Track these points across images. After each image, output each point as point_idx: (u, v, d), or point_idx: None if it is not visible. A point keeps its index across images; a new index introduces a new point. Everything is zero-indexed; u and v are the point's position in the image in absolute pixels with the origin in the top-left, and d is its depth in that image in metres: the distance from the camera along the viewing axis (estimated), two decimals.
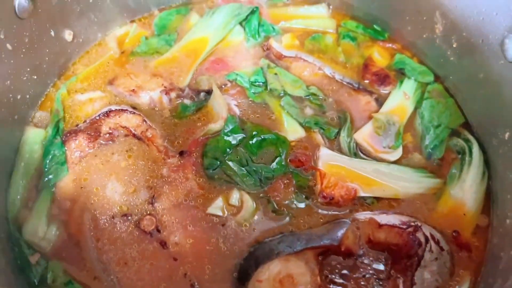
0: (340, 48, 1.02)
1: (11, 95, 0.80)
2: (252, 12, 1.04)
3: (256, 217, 0.79)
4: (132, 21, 1.05)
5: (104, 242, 0.77)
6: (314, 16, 1.07)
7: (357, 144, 0.88)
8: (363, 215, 0.80)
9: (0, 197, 0.78)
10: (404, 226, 0.77)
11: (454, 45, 0.89)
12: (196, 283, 0.74)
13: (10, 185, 0.79)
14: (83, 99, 0.92)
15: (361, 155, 0.87)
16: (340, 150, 0.87)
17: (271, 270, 0.73)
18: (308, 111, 0.92)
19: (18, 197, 0.80)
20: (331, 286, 0.73)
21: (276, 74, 0.97)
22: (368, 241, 0.77)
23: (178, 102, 0.92)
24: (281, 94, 0.94)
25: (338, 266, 0.75)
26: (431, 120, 0.91)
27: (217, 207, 0.80)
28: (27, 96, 0.86)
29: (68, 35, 0.91)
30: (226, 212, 0.80)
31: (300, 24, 1.06)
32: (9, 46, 0.76)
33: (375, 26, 1.05)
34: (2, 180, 0.79)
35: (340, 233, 0.76)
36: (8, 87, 0.79)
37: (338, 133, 0.89)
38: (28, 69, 0.84)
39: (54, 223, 0.78)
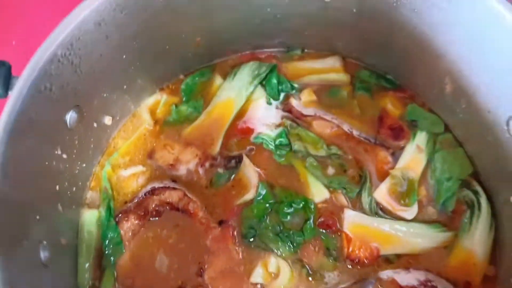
0: (355, 101, 1.09)
1: (68, 192, 0.90)
2: (271, 70, 1.10)
3: (293, 282, 0.92)
4: (161, 89, 1.11)
5: None
6: (329, 70, 1.12)
7: (377, 203, 0.98)
8: (385, 275, 0.91)
9: (71, 278, 0.90)
10: (422, 287, 0.89)
11: (463, 106, 0.95)
12: None
13: (77, 268, 0.91)
14: (126, 175, 1.01)
15: (381, 213, 0.97)
16: (362, 210, 0.97)
17: None
18: (330, 170, 1.01)
19: (86, 276, 0.91)
20: None
21: (297, 134, 1.05)
22: None
23: (212, 171, 1.01)
24: (304, 155, 1.03)
25: None
26: (443, 173, 0.99)
27: (258, 275, 0.91)
28: (80, 183, 0.96)
29: (107, 120, 1.00)
30: (267, 279, 0.92)
31: (316, 79, 1.11)
32: (64, 156, 0.85)
33: (387, 76, 1.11)
34: (70, 263, 0.91)
35: None
36: (66, 187, 0.89)
37: (360, 193, 0.99)
38: (79, 162, 0.93)
39: None
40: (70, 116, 0.84)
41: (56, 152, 0.83)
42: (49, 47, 0.74)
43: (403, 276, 0.91)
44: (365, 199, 0.98)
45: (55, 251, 0.81)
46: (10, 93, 0.73)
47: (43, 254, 0.77)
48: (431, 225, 0.96)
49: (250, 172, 1.00)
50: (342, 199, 0.98)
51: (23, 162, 0.72)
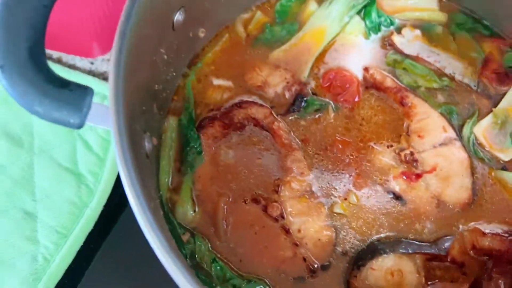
0: (451, 37, 1.14)
1: (161, 96, 1.00)
2: (370, 3, 1.14)
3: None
4: (256, 7, 1.18)
5: (234, 224, 0.99)
6: (425, 9, 1.17)
7: (476, 138, 1.04)
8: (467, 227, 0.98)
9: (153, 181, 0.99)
10: (506, 235, 0.95)
11: None
12: (315, 266, 0.96)
13: (159, 170, 1.01)
14: (216, 84, 1.10)
15: (478, 149, 1.03)
16: (461, 140, 1.04)
17: (385, 262, 0.94)
18: (440, 98, 1.08)
19: (166, 180, 1.01)
20: None
21: (404, 69, 1.10)
22: (473, 248, 0.96)
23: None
24: (414, 88, 1.09)
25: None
26: None
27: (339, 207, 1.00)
28: (168, 91, 1.05)
29: (201, 32, 1.09)
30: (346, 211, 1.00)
31: (412, 16, 1.16)
32: (165, 57, 0.95)
33: (484, 22, 1.15)
34: (156, 166, 1.01)
35: (446, 244, 0.96)
36: (160, 89, 0.99)
37: (463, 125, 1.05)
38: (172, 69, 1.02)
39: (197, 206, 1.00)
40: (177, 17, 0.93)
41: (161, 49, 0.92)
42: None
43: (485, 225, 0.97)
44: (466, 130, 1.03)
45: (152, 147, 0.92)
46: None
47: (147, 145, 0.88)
48: None
49: None
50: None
51: (139, 52, 0.80)
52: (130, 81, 0.75)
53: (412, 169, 1.02)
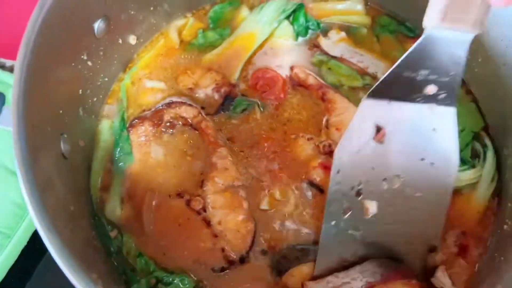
0: (374, 38, 1.21)
1: (90, 100, 1.07)
2: (299, 8, 1.21)
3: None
4: (190, 13, 1.25)
5: (158, 218, 1.05)
6: (351, 12, 1.24)
7: None
8: None
9: (85, 179, 1.07)
10: None
11: (479, 60, 1.06)
12: (232, 257, 1.02)
13: (91, 171, 1.08)
14: (148, 86, 1.16)
15: None
16: None
17: (303, 270, 1.01)
18: (362, 96, 1.13)
19: (98, 179, 1.08)
20: None
21: (329, 69, 1.18)
22: None
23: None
24: (338, 87, 1.16)
25: None
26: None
27: (265, 203, 1.06)
28: (100, 96, 1.11)
29: (132, 39, 1.15)
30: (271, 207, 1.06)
31: (338, 20, 1.24)
32: (89, 63, 1.01)
33: (407, 24, 1.22)
34: (85, 166, 1.07)
35: None
36: (88, 95, 1.05)
37: None
38: (102, 75, 1.09)
39: (125, 203, 1.06)
40: (98, 25, 0.99)
41: (82, 56, 0.98)
42: None
43: None
44: None
45: (74, 148, 0.97)
46: None
47: (64, 146, 0.92)
48: None
49: None
50: None
51: (51, 57, 0.86)
52: (38, 86, 0.81)
53: (330, 160, 1.07)
